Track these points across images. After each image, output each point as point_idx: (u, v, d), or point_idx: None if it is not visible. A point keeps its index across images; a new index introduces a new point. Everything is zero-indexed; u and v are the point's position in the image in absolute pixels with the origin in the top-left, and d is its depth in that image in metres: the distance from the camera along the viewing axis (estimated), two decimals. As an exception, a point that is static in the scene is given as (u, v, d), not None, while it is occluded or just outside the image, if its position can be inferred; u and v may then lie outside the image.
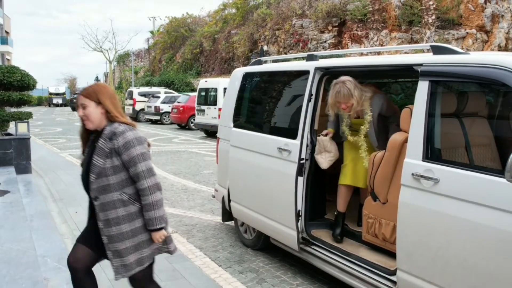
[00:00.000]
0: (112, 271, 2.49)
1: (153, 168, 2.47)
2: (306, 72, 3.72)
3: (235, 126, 4.55)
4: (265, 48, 23.68)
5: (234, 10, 31.85)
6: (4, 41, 36.01)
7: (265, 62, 4.69)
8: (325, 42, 20.34)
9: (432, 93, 2.70)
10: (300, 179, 3.61)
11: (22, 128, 8.36)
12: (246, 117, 4.66)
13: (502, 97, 2.84)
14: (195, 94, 17.84)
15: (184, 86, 30.06)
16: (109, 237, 2.44)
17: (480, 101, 2.94)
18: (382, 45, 17.03)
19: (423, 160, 2.65)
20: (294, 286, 3.69)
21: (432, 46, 2.89)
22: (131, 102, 25.02)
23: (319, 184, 3.86)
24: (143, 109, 23.94)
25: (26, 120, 8.63)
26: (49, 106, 51.69)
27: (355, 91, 3.44)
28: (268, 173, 3.93)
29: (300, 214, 3.65)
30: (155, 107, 22.37)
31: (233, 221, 4.95)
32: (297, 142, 3.63)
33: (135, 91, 25.26)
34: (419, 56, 3.21)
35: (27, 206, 5.47)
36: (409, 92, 4.70)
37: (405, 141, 2.91)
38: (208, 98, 16.24)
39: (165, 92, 24.29)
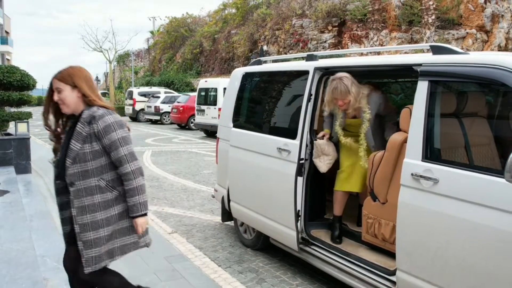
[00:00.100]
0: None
1: (135, 153, 2.40)
2: (306, 72, 3.71)
3: (234, 126, 4.55)
4: (265, 48, 23.68)
5: (234, 10, 31.86)
6: (4, 41, 36.02)
7: (265, 62, 4.69)
8: (325, 42, 20.35)
9: (432, 93, 2.70)
10: (300, 179, 3.61)
11: (22, 128, 8.36)
12: (246, 117, 4.66)
13: (501, 97, 2.84)
14: (195, 94, 17.85)
15: (184, 86, 30.07)
16: (82, 225, 2.35)
17: (480, 101, 2.93)
18: (382, 45, 17.04)
19: (422, 160, 2.65)
20: (293, 286, 3.68)
21: (431, 46, 2.88)
22: (131, 102, 25.05)
23: (319, 184, 3.85)
24: (143, 109, 23.96)
25: (26, 120, 8.63)
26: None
27: (353, 87, 3.41)
28: (267, 173, 3.93)
29: (300, 214, 3.65)
30: (155, 107, 22.38)
31: (232, 221, 4.95)
32: (296, 142, 3.63)
33: (135, 91, 25.28)
34: (418, 56, 3.20)
35: (26, 206, 5.47)
36: (409, 92, 4.70)
37: (405, 141, 2.91)
38: (208, 98, 16.25)
39: (165, 92, 24.31)
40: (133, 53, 41.80)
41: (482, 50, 14.82)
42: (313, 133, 3.70)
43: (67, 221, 2.48)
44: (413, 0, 16.84)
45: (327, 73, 3.64)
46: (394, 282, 2.88)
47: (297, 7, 22.89)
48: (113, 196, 2.39)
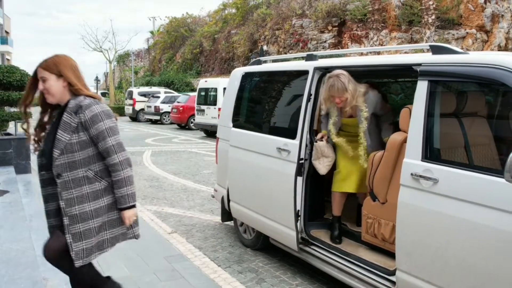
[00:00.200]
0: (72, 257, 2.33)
1: (123, 143, 2.36)
2: (305, 72, 3.71)
3: (234, 126, 4.55)
4: (265, 48, 23.69)
5: (234, 10, 31.86)
6: (4, 41, 36.03)
7: (265, 62, 4.69)
8: (325, 42, 20.35)
9: (431, 93, 2.69)
10: (299, 179, 3.61)
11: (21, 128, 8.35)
12: (246, 117, 4.66)
13: (501, 97, 2.84)
14: (195, 94, 17.85)
15: (184, 86, 30.07)
16: (71, 217, 2.30)
17: (479, 101, 2.93)
18: (382, 45, 17.04)
19: (422, 160, 2.65)
20: (293, 286, 3.68)
21: (431, 46, 2.88)
22: (131, 102, 25.06)
23: (318, 184, 3.85)
24: (143, 109, 23.96)
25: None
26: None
27: (350, 85, 3.39)
28: (267, 173, 3.93)
29: (300, 214, 3.64)
30: (155, 107, 22.38)
31: (232, 221, 4.95)
32: (296, 142, 3.63)
33: (135, 91, 25.29)
34: (418, 56, 3.20)
35: (26, 206, 5.46)
36: (409, 92, 4.69)
37: (404, 141, 2.91)
38: (208, 98, 16.25)
39: (165, 92, 24.32)
40: (133, 53, 41.78)
41: (482, 50, 14.82)
42: (313, 133, 3.69)
43: (52, 214, 2.44)
44: (413, 0, 16.84)
45: (327, 73, 3.63)
46: (394, 282, 2.88)
47: (297, 7, 22.89)
48: (102, 187, 2.34)
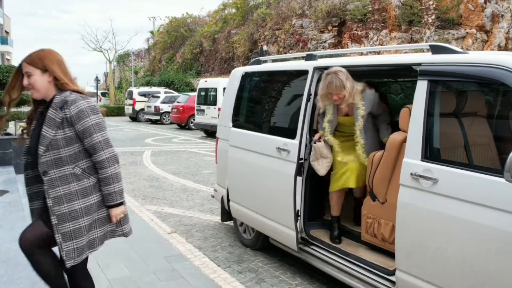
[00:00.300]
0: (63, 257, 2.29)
1: (109, 139, 2.31)
2: (305, 72, 3.71)
3: (234, 126, 4.55)
4: (265, 48, 23.68)
5: (234, 10, 31.84)
6: (4, 41, 36.06)
7: (264, 61, 4.68)
8: (325, 42, 20.34)
9: (431, 93, 2.69)
10: (299, 179, 3.61)
11: (21, 128, 8.35)
12: (245, 117, 4.65)
13: (501, 96, 2.83)
14: (195, 94, 17.86)
15: (184, 86, 30.07)
16: (59, 216, 2.24)
17: (479, 101, 2.93)
18: (382, 45, 17.03)
19: (422, 160, 2.65)
20: (293, 286, 3.68)
21: (431, 46, 2.88)
22: (131, 102, 25.06)
23: (318, 184, 3.85)
24: (143, 109, 23.96)
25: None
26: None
27: (347, 82, 3.38)
28: (267, 173, 3.93)
29: (299, 214, 3.64)
30: (155, 107, 22.39)
31: (232, 221, 4.94)
32: (296, 142, 3.62)
33: (135, 91, 25.29)
34: (418, 55, 3.20)
35: (26, 206, 5.41)
36: (408, 92, 4.69)
37: (404, 140, 2.90)
38: (207, 98, 16.26)
39: (165, 92, 24.32)
40: (133, 53, 41.80)
41: (482, 50, 14.81)
42: (313, 133, 3.69)
43: (37, 212, 2.42)
44: (413, 0, 16.84)
45: (326, 72, 3.63)
46: (393, 282, 2.88)
47: (297, 7, 22.88)
48: (91, 183, 2.29)
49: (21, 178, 7.26)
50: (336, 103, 3.50)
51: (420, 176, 2.61)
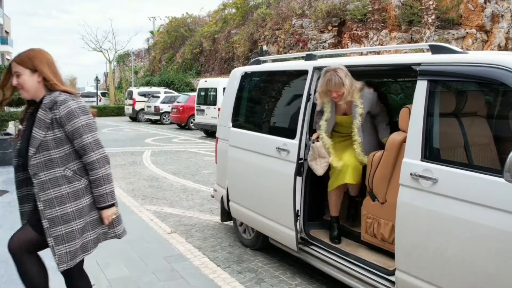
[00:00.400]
0: (55, 261, 2.27)
1: (100, 140, 2.28)
2: (305, 72, 3.70)
3: (234, 126, 4.54)
4: (265, 48, 23.67)
5: (234, 10, 31.83)
6: (4, 41, 36.04)
7: (264, 61, 4.68)
8: (325, 42, 20.34)
9: (431, 93, 2.69)
10: (299, 179, 3.60)
11: (21, 128, 8.35)
12: (245, 117, 4.65)
13: (501, 96, 2.83)
14: (195, 94, 17.86)
15: (184, 86, 30.07)
16: (51, 219, 2.20)
17: (479, 101, 2.93)
18: (382, 45, 17.03)
19: (421, 160, 2.64)
20: (293, 286, 3.68)
21: (430, 46, 2.88)
22: (130, 102, 25.06)
23: (318, 184, 3.84)
24: (143, 109, 23.96)
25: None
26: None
27: (346, 79, 3.37)
28: (266, 173, 3.92)
29: (299, 214, 3.64)
30: (155, 107, 22.39)
31: (232, 221, 4.94)
32: (295, 142, 3.62)
33: (135, 91, 25.29)
34: (417, 55, 3.20)
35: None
36: (408, 92, 4.69)
37: (404, 140, 2.90)
38: (207, 98, 16.26)
39: (165, 92, 24.32)
40: (133, 53, 41.80)
41: (482, 50, 14.81)
42: (312, 133, 3.68)
43: (26, 215, 2.40)
44: (413, 0, 16.83)
45: (326, 72, 3.63)
46: (393, 282, 2.87)
47: (297, 7, 22.87)
48: (83, 185, 2.26)
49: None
50: (335, 100, 3.49)
51: (420, 176, 2.61)
